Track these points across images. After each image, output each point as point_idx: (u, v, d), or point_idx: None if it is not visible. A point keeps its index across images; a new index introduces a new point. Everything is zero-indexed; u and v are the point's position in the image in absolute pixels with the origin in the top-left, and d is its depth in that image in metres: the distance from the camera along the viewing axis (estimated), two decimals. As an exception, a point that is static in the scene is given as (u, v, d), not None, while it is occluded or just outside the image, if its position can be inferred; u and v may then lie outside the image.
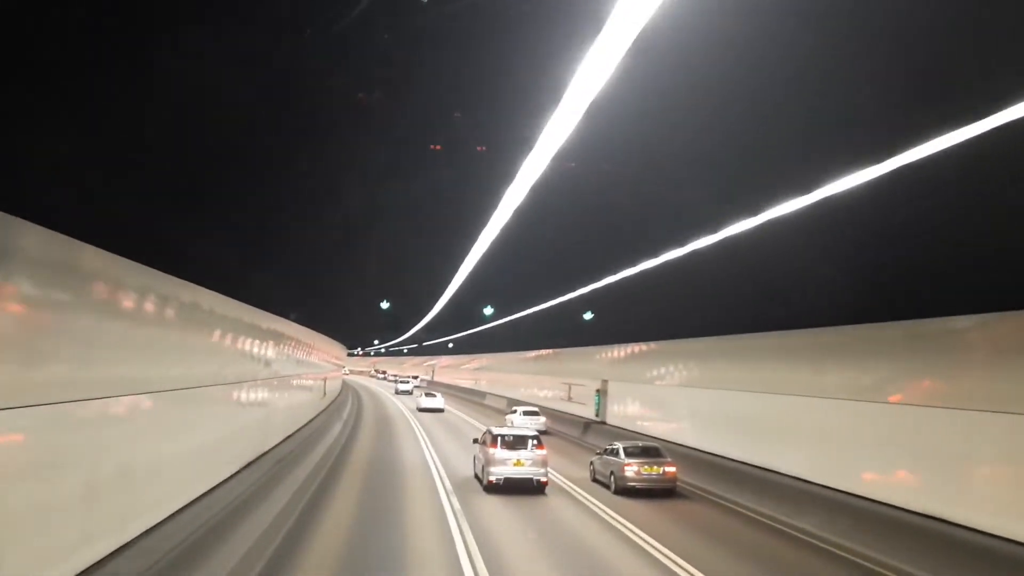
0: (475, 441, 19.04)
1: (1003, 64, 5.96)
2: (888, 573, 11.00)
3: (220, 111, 6.65)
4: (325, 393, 32.04)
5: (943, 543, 11.05)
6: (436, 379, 77.02)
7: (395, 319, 40.92)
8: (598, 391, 30.09)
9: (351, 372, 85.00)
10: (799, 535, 13.35)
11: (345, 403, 40.45)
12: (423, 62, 6.63)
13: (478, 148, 9.10)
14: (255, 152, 8.30)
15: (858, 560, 11.68)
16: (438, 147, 9.18)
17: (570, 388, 33.72)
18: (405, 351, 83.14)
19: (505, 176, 9.26)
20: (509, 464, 16.70)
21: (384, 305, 30.97)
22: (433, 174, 9.82)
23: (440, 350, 63.96)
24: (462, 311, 30.35)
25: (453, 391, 62.69)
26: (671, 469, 16.77)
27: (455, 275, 18.71)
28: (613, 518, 14.24)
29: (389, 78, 6.93)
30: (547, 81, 6.15)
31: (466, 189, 10.38)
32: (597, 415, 29.94)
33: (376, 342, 72.14)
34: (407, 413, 40.77)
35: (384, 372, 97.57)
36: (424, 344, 60.60)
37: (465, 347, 54.59)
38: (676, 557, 11.32)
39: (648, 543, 12.24)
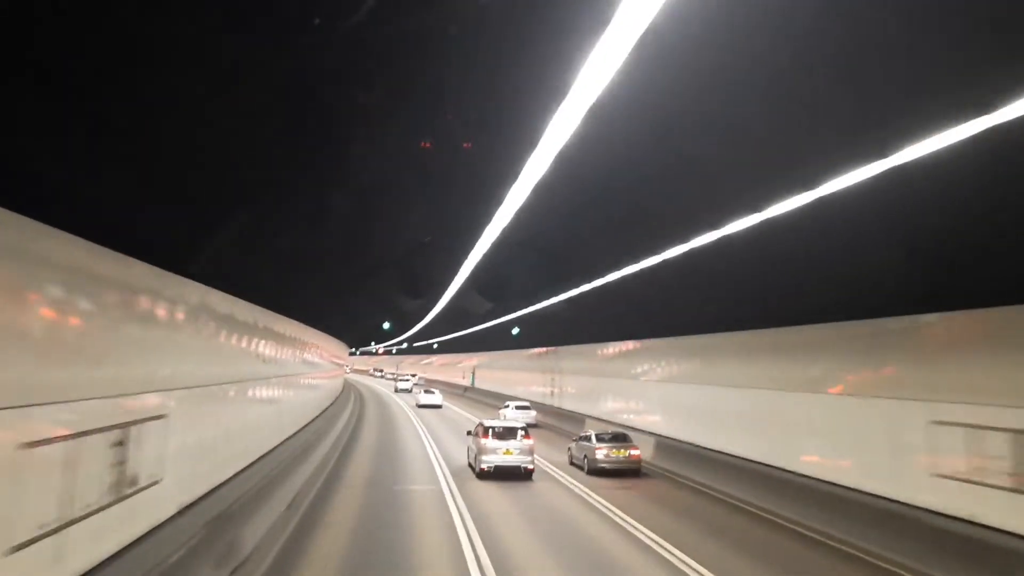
0: (469, 433, 21.26)
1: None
2: (812, 534, 13.41)
3: (227, 114, 6.85)
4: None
5: (865, 511, 12.66)
6: (478, 384, 58.41)
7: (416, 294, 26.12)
8: None
9: (352, 370, 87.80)
10: (743, 505, 16.28)
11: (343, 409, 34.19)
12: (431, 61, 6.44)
13: (464, 145, 8.88)
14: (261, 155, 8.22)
15: (786, 524, 14.54)
16: (427, 144, 8.97)
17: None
18: (435, 346, 61.48)
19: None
20: (499, 453, 18.58)
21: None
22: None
23: (497, 340, 41.12)
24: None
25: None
26: (635, 452, 19.67)
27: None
28: (584, 492, 17.18)
29: (394, 77, 6.80)
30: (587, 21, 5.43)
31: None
32: None
33: (386, 324, 42.34)
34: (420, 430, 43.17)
35: (382, 371, 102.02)
36: (471, 331, 40.54)
37: (539, 334, 34.28)
38: (628, 517, 14.24)
39: (610, 510, 15.13)
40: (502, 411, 35.81)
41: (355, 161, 9.36)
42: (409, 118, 8.02)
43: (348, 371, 72.31)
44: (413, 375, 75.59)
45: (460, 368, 65.14)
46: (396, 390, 64.78)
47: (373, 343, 67.83)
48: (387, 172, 10.15)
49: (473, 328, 37.51)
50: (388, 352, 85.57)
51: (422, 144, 8.85)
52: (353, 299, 25.76)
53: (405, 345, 64.66)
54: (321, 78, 6.58)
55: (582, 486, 17.95)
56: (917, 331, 12.57)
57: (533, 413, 35.00)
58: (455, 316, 32.12)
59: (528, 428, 20.76)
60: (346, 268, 18.21)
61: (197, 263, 9.78)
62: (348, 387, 53.71)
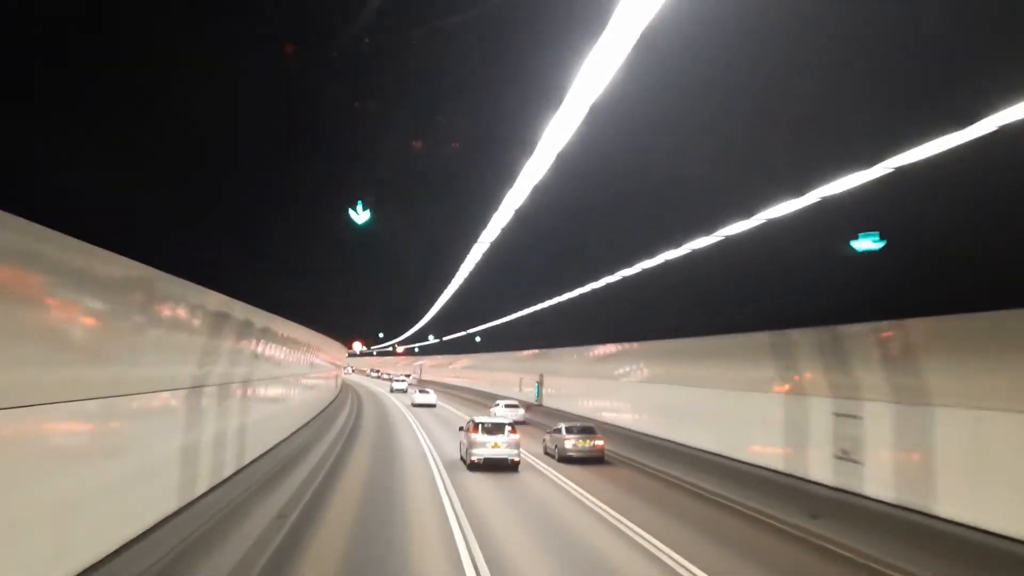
0: (460, 429, 23.70)
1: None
2: (756, 514, 16.14)
3: (231, 123, 6.93)
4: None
5: (794, 493, 15.68)
6: (547, 403, 40.12)
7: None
8: None
9: (354, 370, 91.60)
10: (691, 487, 19.66)
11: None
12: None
13: (453, 145, 8.78)
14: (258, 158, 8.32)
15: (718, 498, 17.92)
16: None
17: None
18: (478, 339, 41.70)
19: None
20: (488, 447, 20.29)
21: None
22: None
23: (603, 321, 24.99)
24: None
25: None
26: (599, 443, 22.86)
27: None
28: (556, 476, 20.49)
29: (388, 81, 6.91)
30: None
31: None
32: None
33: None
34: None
35: (379, 371, 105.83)
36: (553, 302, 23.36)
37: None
38: (589, 494, 17.53)
39: (577, 491, 18.39)
40: (492, 409, 39.42)
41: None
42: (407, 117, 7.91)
43: (350, 371, 75.92)
44: (408, 375, 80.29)
45: (517, 372, 43.56)
46: (392, 390, 68.51)
47: (382, 334, 53.33)
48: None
49: (549, 301, 23.01)
50: (410, 352, 67.42)
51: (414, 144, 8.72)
52: (355, 290, 21.81)
53: (432, 339, 46.66)
54: (322, 82, 6.66)
55: (555, 471, 21.18)
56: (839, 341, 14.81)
57: (521, 411, 38.77)
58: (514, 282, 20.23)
59: (515, 424, 23.39)
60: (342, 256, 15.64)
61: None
62: (345, 390, 56.63)
